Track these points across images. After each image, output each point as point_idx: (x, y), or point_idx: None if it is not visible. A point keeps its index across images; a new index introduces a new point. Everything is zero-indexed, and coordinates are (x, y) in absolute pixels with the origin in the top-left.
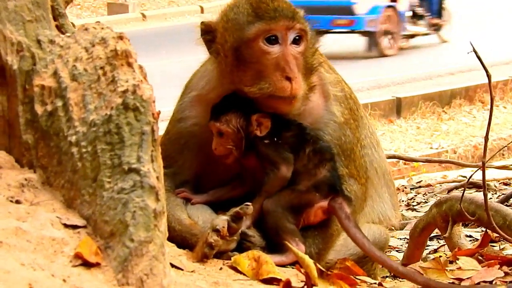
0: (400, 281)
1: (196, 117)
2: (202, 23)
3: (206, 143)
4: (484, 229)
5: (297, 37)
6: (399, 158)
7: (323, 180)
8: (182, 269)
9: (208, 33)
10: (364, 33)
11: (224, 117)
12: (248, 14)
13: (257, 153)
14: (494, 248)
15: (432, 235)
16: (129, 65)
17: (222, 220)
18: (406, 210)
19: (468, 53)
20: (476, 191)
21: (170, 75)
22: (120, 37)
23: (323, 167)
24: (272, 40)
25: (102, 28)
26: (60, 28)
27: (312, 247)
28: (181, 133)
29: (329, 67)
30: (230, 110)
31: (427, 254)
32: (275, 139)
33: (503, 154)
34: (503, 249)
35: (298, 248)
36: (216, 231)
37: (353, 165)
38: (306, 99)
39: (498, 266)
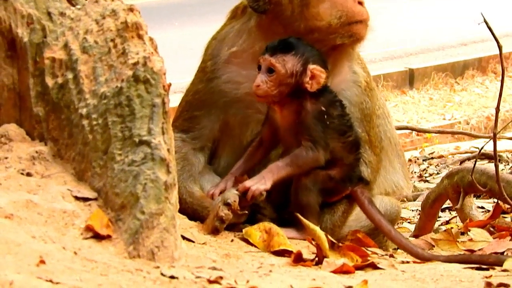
0: None
1: (230, 73)
2: None
3: (235, 101)
4: (495, 200)
5: None
6: (412, 129)
7: (357, 173)
8: (193, 241)
9: None
10: None
11: (282, 56)
12: None
13: (301, 121)
14: (506, 219)
15: (444, 206)
16: (140, 37)
17: (233, 194)
18: (419, 181)
19: (478, 24)
20: (488, 162)
21: (182, 47)
22: (131, 9)
23: (356, 155)
24: None
25: (113, 0)
26: (71, 1)
27: (328, 223)
28: (213, 92)
29: None
30: (290, 51)
31: (438, 225)
32: (325, 117)
33: None
34: None
35: None
36: (227, 205)
37: (372, 133)
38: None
39: (510, 237)
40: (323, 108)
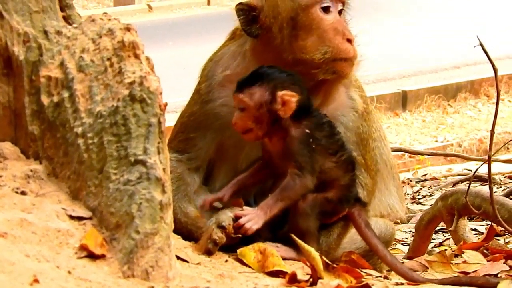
0: None
1: (225, 97)
2: (241, 3)
3: (230, 125)
4: (489, 223)
5: (340, 9)
6: (405, 151)
7: (354, 193)
8: (187, 261)
9: (250, 12)
10: None
11: (248, 89)
12: None
13: (287, 147)
14: (499, 241)
15: (438, 228)
16: (136, 56)
17: (228, 217)
18: (412, 203)
19: (474, 46)
20: (481, 184)
21: (176, 67)
22: (128, 29)
23: (352, 175)
24: (325, 9)
25: (109, 20)
26: (67, 19)
27: (323, 245)
28: (208, 114)
29: None
30: (256, 83)
31: (432, 247)
32: (311, 141)
33: (508, 148)
34: (508, 242)
35: None
36: (222, 227)
37: (368, 156)
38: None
39: (503, 260)
40: (307, 131)
